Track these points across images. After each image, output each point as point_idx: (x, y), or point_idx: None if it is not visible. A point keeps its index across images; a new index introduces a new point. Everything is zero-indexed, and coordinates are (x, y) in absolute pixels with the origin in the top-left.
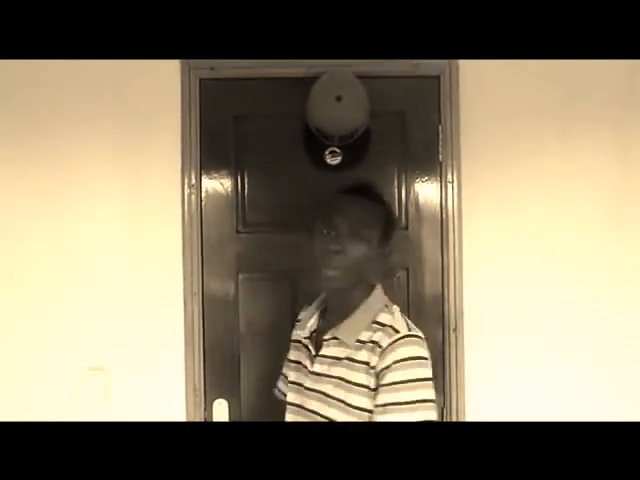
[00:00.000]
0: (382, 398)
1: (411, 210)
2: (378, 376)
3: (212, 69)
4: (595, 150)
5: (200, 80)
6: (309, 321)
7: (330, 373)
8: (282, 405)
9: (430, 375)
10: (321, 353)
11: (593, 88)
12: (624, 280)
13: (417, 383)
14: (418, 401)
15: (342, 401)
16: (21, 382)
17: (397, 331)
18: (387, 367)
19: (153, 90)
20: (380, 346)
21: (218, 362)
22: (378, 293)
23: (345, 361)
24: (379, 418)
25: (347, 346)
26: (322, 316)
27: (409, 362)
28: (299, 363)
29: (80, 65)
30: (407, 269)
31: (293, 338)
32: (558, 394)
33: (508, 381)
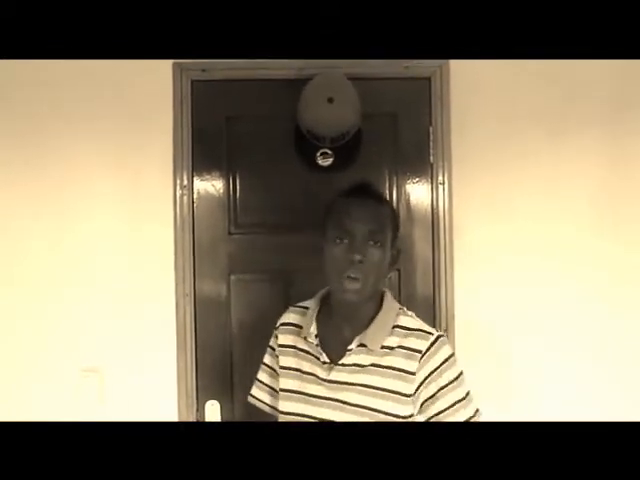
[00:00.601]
0: (440, 404)
1: (402, 211)
2: (423, 382)
3: (204, 70)
4: (586, 151)
5: (192, 81)
6: (310, 327)
7: (352, 381)
8: (266, 413)
9: (461, 369)
10: (342, 362)
11: (585, 89)
12: (619, 280)
13: (461, 379)
14: (467, 394)
15: (369, 408)
16: (14, 383)
17: (428, 333)
18: (433, 371)
19: (145, 91)
20: (419, 351)
21: (210, 363)
22: (390, 298)
23: (371, 368)
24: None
25: (370, 352)
26: (318, 320)
27: (449, 362)
28: (300, 371)
29: (73, 67)
30: (398, 270)
31: (285, 343)
32: (552, 395)
33: (500, 382)
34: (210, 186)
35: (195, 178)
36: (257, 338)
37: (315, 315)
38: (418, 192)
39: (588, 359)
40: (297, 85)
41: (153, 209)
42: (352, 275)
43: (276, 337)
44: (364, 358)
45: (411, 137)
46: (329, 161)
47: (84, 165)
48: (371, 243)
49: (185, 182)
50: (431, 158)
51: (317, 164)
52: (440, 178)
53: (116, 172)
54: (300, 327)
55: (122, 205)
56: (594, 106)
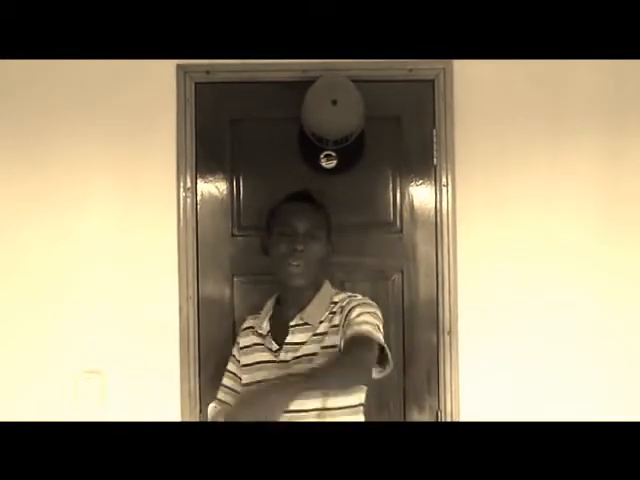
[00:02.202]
0: (349, 320)
1: (406, 213)
2: (343, 316)
3: (207, 73)
4: (589, 152)
5: (195, 84)
6: (262, 324)
7: (297, 355)
8: None
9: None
10: (287, 341)
11: (585, 89)
12: (620, 281)
13: (365, 308)
14: (371, 318)
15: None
16: (17, 385)
17: (354, 295)
18: (350, 309)
19: (149, 94)
20: (341, 306)
21: (213, 365)
22: (328, 284)
23: (310, 339)
24: (354, 329)
25: (310, 329)
26: (272, 319)
27: (357, 300)
28: (258, 363)
29: (76, 69)
30: (402, 272)
31: (244, 345)
32: (554, 396)
33: (503, 384)
34: (213, 188)
35: (198, 180)
36: None
37: (268, 316)
38: (422, 194)
39: (590, 360)
40: (301, 87)
41: (156, 211)
42: (294, 262)
43: (238, 342)
44: (305, 335)
45: (415, 139)
46: (333, 163)
47: (87, 167)
48: (309, 237)
49: (188, 184)
50: (434, 160)
51: (321, 166)
52: (444, 180)
53: (119, 174)
54: (254, 328)
55: (125, 207)
56: (596, 106)
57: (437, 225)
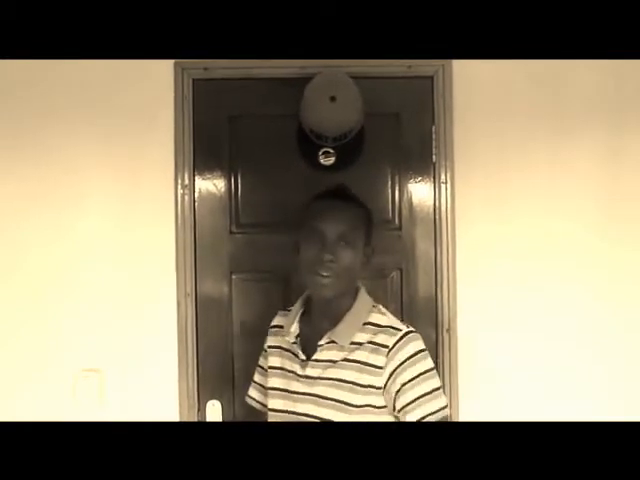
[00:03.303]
0: (404, 398)
1: (404, 211)
2: (390, 376)
3: (205, 69)
4: (588, 149)
5: (193, 80)
6: (291, 326)
7: (324, 375)
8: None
9: (433, 364)
10: (314, 357)
11: (586, 88)
12: (620, 279)
13: (428, 374)
14: (434, 389)
15: (341, 401)
16: (15, 383)
17: (397, 329)
18: (399, 366)
19: (146, 91)
20: (386, 346)
21: (211, 363)
22: (363, 295)
23: (342, 362)
24: (409, 417)
25: (342, 349)
26: (301, 321)
27: (416, 357)
28: (283, 369)
29: (73, 68)
30: (400, 269)
31: (272, 344)
32: (553, 394)
33: (502, 381)
34: (212, 185)
35: (196, 177)
36: (258, 338)
37: (299, 316)
38: (420, 191)
39: (590, 357)
40: (299, 84)
41: (154, 208)
42: (323, 273)
43: (267, 340)
44: (336, 354)
45: (414, 136)
46: (331, 160)
47: (85, 165)
48: (342, 243)
49: (186, 181)
50: (433, 157)
51: (319, 163)
52: (442, 177)
53: (117, 171)
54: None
55: (123, 205)
56: (593, 105)
57: (436, 222)
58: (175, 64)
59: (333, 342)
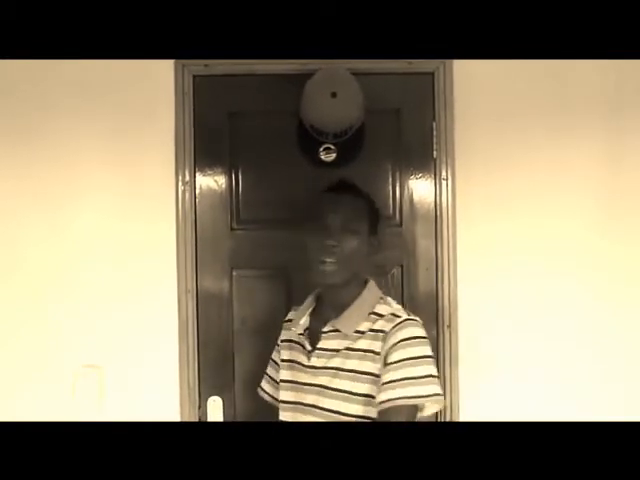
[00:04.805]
0: (389, 375)
1: (405, 207)
2: (385, 359)
3: (206, 66)
4: (588, 147)
5: (194, 77)
6: (301, 320)
7: (328, 365)
8: (269, 404)
9: (431, 353)
10: (318, 346)
11: (585, 87)
12: (621, 278)
13: (421, 359)
14: (425, 376)
15: (344, 391)
16: (15, 379)
17: (397, 316)
18: (391, 347)
19: (147, 87)
20: (383, 332)
21: (212, 359)
22: (372, 286)
23: (345, 351)
24: (388, 394)
25: (345, 337)
26: (312, 315)
27: (411, 341)
28: (292, 361)
29: (73, 63)
30: (401, 266)
31: (284, 338)
32: (554, 392)
33: (502, 378)
34: (212, 182)
35: (197, 174)
36: (259, 334)
37: (310, 311)
38: (421, 187)
39: (590, 356)
40: (300, 80)
41: (155, 205)
42: (327, 259)
43: (281, 334)
44: (340, 343)
45: (414, 132)
46: (332, 156)
47: (86, 161)
48: (345, 231)
49: (187, 178)
50: (434, 153)
51: (320, 159)
52: (443, 174)
53: (118, 168)
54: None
55: (124, 201)
56: (594, 103)
57: (437, 219)
58: (175, 61)
59: (337, 330)
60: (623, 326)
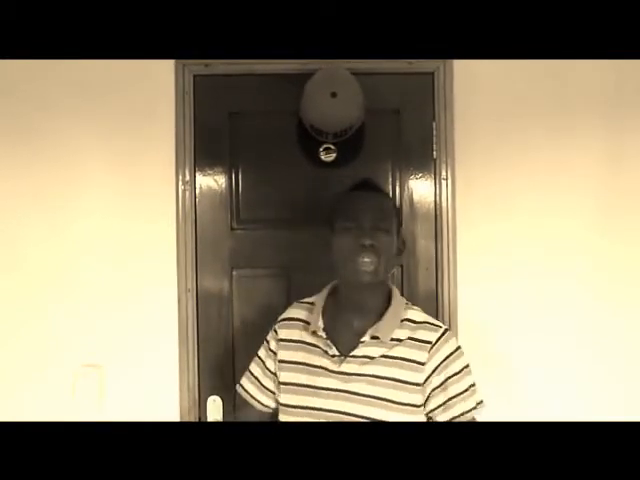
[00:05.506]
0: (444, 395)
1: (405, 207)
2: (433, 372)
3: (206, 66)
4: (588, 147)
5: (194, 76)
6: (318, 322)
7: (361, 372)
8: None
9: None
10: (353, 354)
11: (585, 87)
12: (621, 278)
13: (465, 370)
14: (472, 386)
15: (383, 398)
16: (15, 378)
17: (436, 325)
18: (443, 361)
19: (147, 87)
20: (428, 342)
21: (212, 359)
22: (397, 292)
23: (380, 359)
24: (449, 413)
25: (381, 345)
26: (325, 316)
27: (456, 354)
28: (307, 365)
29: (74, 63)
30: (401, 266)
31: (286, 338)
32: (554, 392)
33: (502, 378)
34: (212, 181)
35: (197, 173)
36: (259, 333)
37: (321, 310)
38: (421, 187)
39: (590, 356)
40: (300, 80)
41: (155, 205)
42: (366, 259)
43: (275, 332)
44: (374, 350)
45: (414, 132)
46: (332, 156)
47: (86, 161)
48: (379, 231)
49: (187, 177)
50: (434, 153)
51: (320, 159)
52: (443, 174)
53: (118, 168)
54: (306, 322)
55: (124, 201)
56: (594, 103)
57: (437, 219)
58: (176, 61)
59: (376, 338)
60: (623, 326)
